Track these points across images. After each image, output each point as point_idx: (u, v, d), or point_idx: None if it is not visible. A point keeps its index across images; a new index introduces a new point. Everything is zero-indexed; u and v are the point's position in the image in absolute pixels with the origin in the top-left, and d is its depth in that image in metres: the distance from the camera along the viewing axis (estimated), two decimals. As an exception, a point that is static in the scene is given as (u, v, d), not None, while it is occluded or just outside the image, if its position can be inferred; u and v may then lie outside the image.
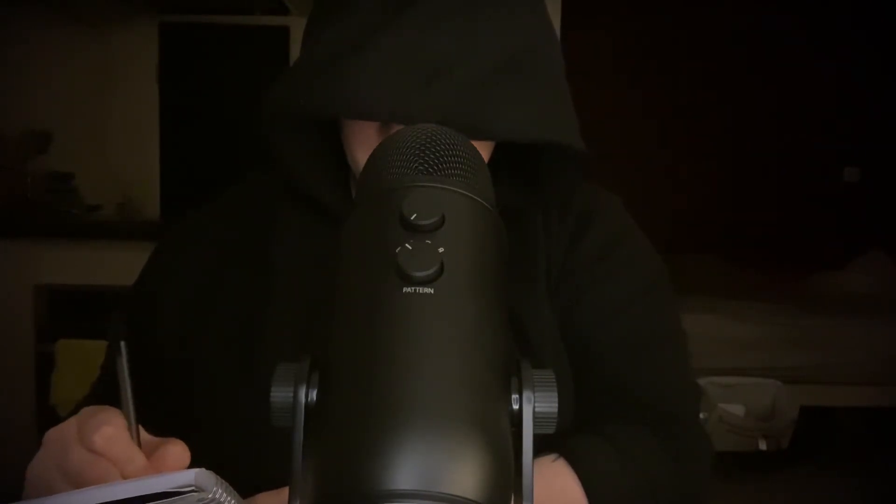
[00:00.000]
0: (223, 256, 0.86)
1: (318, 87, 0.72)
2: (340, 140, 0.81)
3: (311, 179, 0.83)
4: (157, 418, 0.86)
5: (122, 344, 0.58)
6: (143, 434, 0.60)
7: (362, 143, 0.77)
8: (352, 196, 0.85)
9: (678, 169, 4.90)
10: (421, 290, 0.35)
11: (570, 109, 0.79)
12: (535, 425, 0.35)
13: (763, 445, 3.21)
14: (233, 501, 0.51)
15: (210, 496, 0.49)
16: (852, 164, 4.94)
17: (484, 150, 0.79)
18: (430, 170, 0.41)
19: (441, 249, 0.37)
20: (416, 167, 0.41)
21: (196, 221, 0.92)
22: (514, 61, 0.73)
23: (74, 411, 0.83)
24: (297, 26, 3.21)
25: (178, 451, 0.57)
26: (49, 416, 2.62)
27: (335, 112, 0.74)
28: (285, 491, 0.66)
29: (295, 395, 0.35)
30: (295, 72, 0.75)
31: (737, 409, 3.23)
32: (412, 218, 0.37)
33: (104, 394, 0.88)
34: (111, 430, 0.56)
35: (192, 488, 0.48)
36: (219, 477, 0.50)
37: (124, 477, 0.55)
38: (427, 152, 0.42)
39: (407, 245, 0.36)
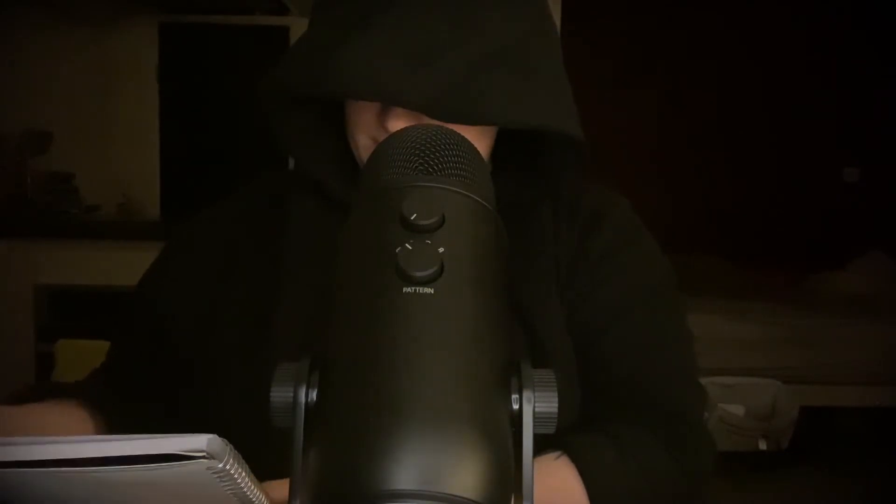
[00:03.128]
0: (234, 252, 0.87)
1: (313, 67, 0.73)
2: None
3: (318, 166, 0.84)
4: (164, 412, 0.87)
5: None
6: None
7: (361, 127, 0.78)
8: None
9: (678, 169, 4.90)
10: (421, 290, 0.35)
11: (567, 98, 0.79)
12: (535, 425, 0.35)
13: (763, 445, 3.21)
14: (244, 474, 0.48)
15: (221, 465, 0.46)
16: (852, 164, 4.94)
17: (486, 141, 0.79)
18: (430, 170, 0.41)
19: (441, 249, 0.37)
20: (416, 167, 0.41)
21: (207, 218, 0.93)
22: (508, 50, 0.74)
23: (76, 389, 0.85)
24: (297, 26, 3.21)
25: None
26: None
27: (326, 91, 0.75)
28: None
29: (295, 395, 0.35)
30: (292, 53, 0.77)
31: (737, 409, 3.22)
32: (412, 218, 0.37)
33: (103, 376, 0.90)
34: None
35: (203, 454, 0.45)
36: (232, 447, 0.47)
37: None
38: (427, 152, 0.42)
39: (407, 245, 0.36)
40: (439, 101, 0.70)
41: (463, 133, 0.72)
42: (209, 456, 0.45)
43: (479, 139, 0.77)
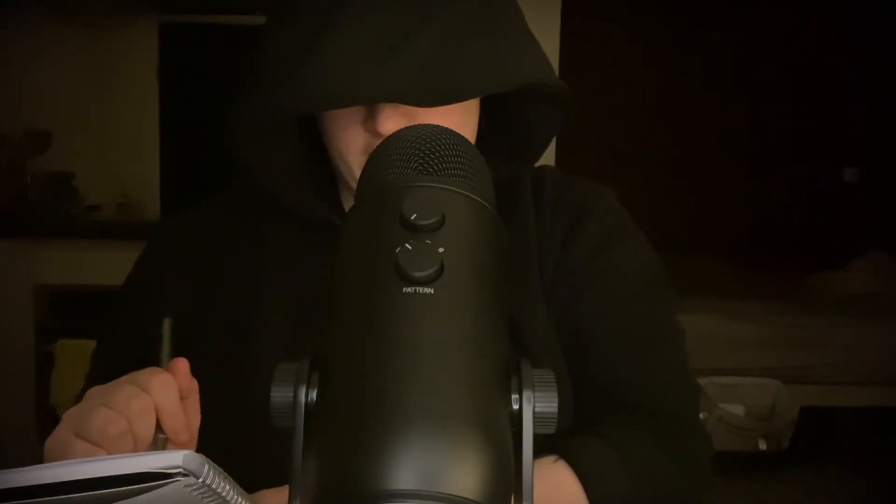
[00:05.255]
0: (214, 257, 0.85)
1: (284, 86, 0.71)
2: (324, 152, 0.80)
3: (296, 195, 0.82)
4: None
5: (167, 322, 0.57)
6: None
7: (350, 140, 0.76)
8: (343, 207, 0.85)
9: (678, 169, 4.89)
10: (421, 290, 0.35)
11: (539, 53, 0.78)
12: (535, 425, 0.35)
13: (763, 445, 3.21)
14: (229, 489, 0.45)
15: (200, 481, 0.42)
16: (852, 164, 4.94)
17: (473, 119, 0.79)
18: (430, 170, 0.41)
19: (441, 249, 0.37)
20: (416, 167, 0.41)
21: (189, 220, 0.91)
22: (473, 19, 0.73)
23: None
24: (297, 26, 3.20)
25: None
26: (49, 416, 2.62)
27: (304, 106, 0.73)
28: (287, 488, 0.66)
29: (295, 395, 0.35)
30: (254, 81, 0.75)
31: (737, 409, 3.22)
32: (412, 218, 0.37)
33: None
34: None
35: (180, 470, 0.42)
36: (211, 461, 0.44)
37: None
38: (427, 152, 0.42)
39: (407, 245, 0.37)
40: (418, 87, 0.69)
41: (449, 115, 0.72)
42: (186, 473, 0.42)
43: (467, 118, 0.77)
